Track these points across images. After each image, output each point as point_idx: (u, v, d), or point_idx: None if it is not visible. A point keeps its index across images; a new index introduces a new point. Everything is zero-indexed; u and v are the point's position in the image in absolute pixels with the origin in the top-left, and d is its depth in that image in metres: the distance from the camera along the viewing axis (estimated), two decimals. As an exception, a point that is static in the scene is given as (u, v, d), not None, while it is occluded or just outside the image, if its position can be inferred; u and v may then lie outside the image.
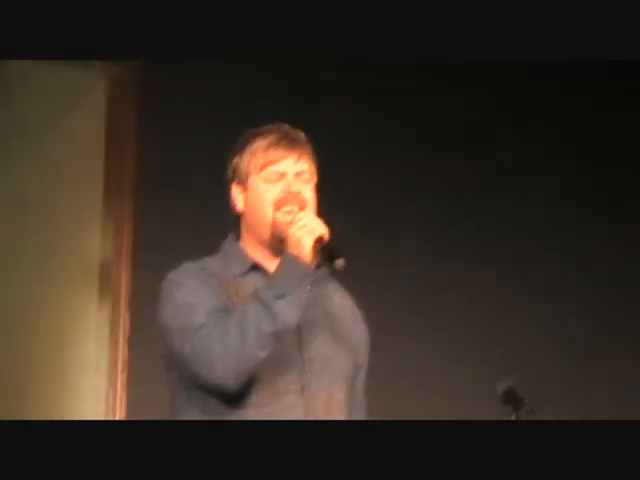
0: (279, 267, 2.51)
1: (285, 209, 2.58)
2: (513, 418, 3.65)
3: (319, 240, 2.50)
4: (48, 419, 4.52)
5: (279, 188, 2.61)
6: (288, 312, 2.47)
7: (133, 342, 4.33)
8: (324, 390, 2.60)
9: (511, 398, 3.66)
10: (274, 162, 2.60)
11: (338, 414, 2.62)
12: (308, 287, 2.49)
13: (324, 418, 2.60)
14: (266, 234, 2.62)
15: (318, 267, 2.55)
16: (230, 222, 2.67)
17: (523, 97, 5.22)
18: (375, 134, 4.88)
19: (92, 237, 4.70)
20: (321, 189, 2.66)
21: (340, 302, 2.71)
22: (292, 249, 2.49)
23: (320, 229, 2.50)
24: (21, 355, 4.67)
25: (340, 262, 2.50)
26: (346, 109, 4.85)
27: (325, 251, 2.51)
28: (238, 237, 2.69)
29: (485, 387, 3.82)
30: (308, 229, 2.50)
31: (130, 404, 4.47)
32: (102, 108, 4.63)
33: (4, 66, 4.56)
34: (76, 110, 4.72)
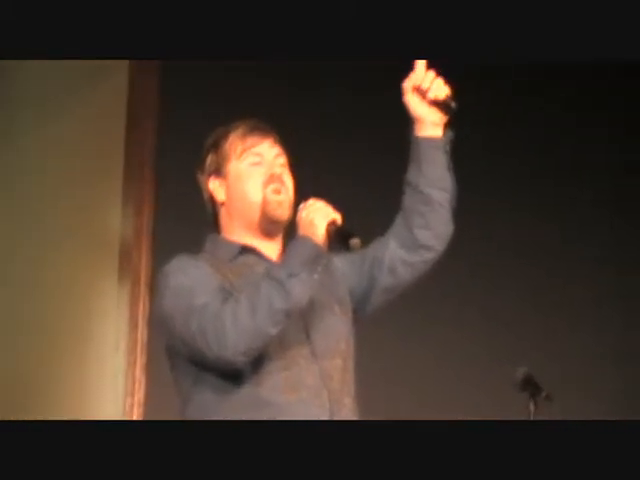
0: (292, 247, 2.50)
1: (272, 187, 2.59)
2: (531, 405, 3.60)
3: (332, 223, 2.48)
4: (68, 396, 4.56)
5: (262, 170, 2.63)
6: (300, 290, 2.43)
7: (153, 323, 4.16)
8: (334, 350, 2.59)
9: (529, 384, 3.65)
10: (252, 146, 2.63)
11: (349, 368, 2.65)
12: (319, 268, 2.46)
13: (340, 376, 2.61)
14: (256, 215, 2.62)
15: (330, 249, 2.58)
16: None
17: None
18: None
19: (112, 218, 4.59)
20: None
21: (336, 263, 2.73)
22: (304, 230, 2.48)
23: (333, 213, 2.49)
24: (42, 335, 4.56)
25: (356, 241, 2.47)
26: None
27: (339, 232, 2.48)
28: (218, 231, 2.70)
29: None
30: (322, 212, 2.48)
31: (149, 385, 4.37)
32: (123, 90, 4.55)
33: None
34: (96, 90, 4.59)
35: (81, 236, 4.57)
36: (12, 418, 4.10)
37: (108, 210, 4.56)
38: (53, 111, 4.55)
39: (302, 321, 2.57)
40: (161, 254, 3.24)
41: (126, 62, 4.37)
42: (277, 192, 2.61)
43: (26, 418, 4.12)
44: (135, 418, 4.20)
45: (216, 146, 2.69)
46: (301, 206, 2.55)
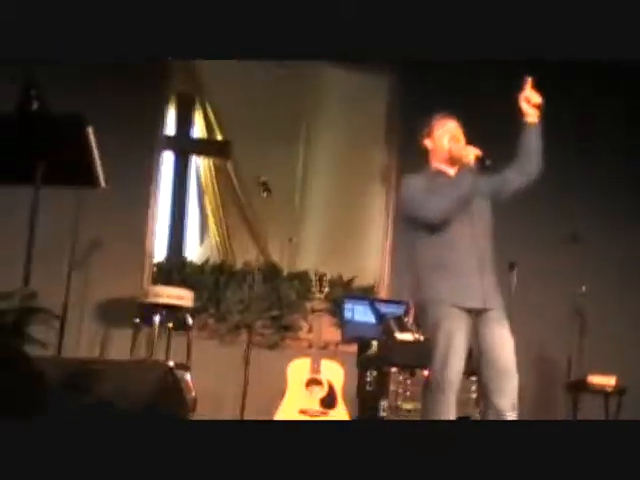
0: (461, 170, 4.28)
1: (453, 140, 4.39)
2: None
3: (477, 156, 4.25)
4: (349, 250, 7.20)
5: (448, 135, 4.42)
6: (463, 187, 4.25)
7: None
8: (481, 217, 4.35)
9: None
10: (444, 124, 4.46)
11: (490, 226, 4.35)
12: (473, 179, 4.23)
13: (484, 228, 4.29)
14: (444, 155, 4.42)
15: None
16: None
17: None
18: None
19: (379, 162, 7.44)
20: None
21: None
22: (465, 160, 4.27)
23: (477, 151, 4.28)
24: (342, 221, 7.36)
25: (488, 161, 4.23)
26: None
27: (480, 159, 4.24)
28: (428, 163, 4.49)
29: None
30: (472, 150, 4.31)
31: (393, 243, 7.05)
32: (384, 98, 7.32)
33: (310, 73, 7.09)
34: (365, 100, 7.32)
35: (363, 173, 7.34)
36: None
37: (376, 157, 7.32)
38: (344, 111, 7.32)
39: (468, 205, 4.22)
40: (403, 176, 4.58)
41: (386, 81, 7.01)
42: (455, 143, 4.30)
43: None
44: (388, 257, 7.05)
45: (428, 125, 4.45)
46: (465, 149, 4.25)
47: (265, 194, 6.19)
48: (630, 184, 7.60)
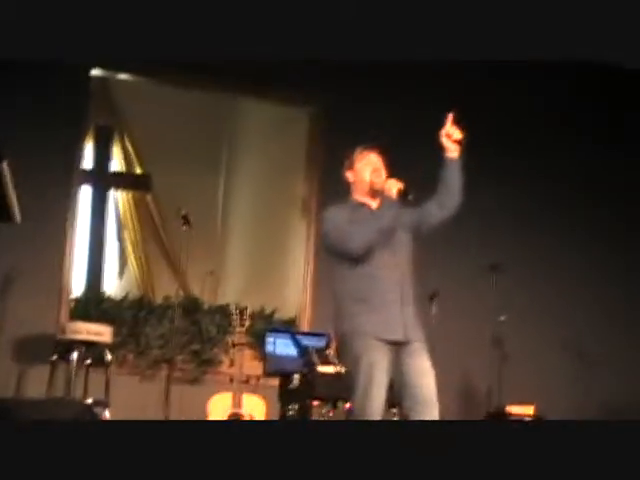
0: (383, 203, 4.33)
1: (374, 174, 4.41)
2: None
3: (399, 189, 4.27)
4: (271, 282, 7.15)
5: (370, 166, 4.44)
6: (385, 219, 4.27)
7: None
8: (403, 249, 4.37)
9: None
10: (365, 156, 4.46)
11: (410, 256, 4.37)
12: (395, 211, 4.24)
13: (405, 257, 4.31)
14: (366, 188, 4.44)
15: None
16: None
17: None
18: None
19: (299, 192, 7.38)
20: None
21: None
22: (387, 193, 4.31)
23: (400, 184, 4.30)
24: (263, 253, 7.45)
25: (410, 197, 4.24)
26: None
27: (403, 193, 4.25)
28: (350, 196, 4.50)
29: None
30: (395, 184, 4.32)
31: (315, 274, 7.05)
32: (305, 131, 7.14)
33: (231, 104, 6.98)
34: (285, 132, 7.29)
35: (284, 205, 7.33)
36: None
37: (298, 186, 7.27)
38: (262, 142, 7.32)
39: (390, 237, 4.22)
40: (324, 207, 4.58)
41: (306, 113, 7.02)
42: (377, 176, 4.31)
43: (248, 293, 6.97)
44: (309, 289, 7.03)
45: (350, 157, 4.46)
46: (387, 182, 4.25)
47: (185, 227, 6.15)
48: (551, 214, 7.72)
